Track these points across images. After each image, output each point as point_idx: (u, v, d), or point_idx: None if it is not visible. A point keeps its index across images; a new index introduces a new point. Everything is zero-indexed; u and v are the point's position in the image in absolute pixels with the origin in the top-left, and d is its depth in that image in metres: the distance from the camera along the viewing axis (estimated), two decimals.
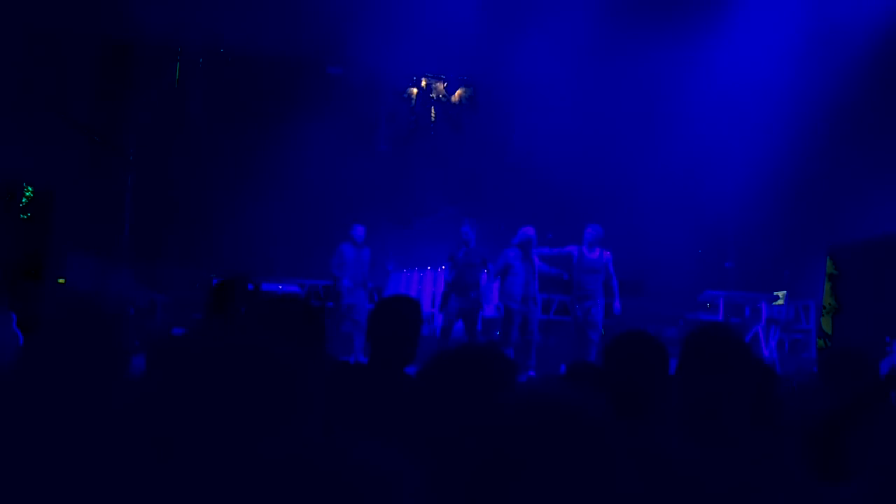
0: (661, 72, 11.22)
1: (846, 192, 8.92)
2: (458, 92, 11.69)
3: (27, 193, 7.70)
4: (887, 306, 6.84)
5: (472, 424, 1.23)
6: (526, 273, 7.91)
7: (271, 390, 1.21)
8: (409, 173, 11.21)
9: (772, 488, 1.79)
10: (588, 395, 1.23)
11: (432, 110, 11.72)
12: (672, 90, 11.52)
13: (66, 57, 8.79)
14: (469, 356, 1.87)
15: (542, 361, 8.00)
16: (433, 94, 11.74)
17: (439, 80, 11.61)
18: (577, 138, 11.39)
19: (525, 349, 7.90)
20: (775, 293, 8.49)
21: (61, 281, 7.81)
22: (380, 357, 2.69)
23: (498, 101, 11.68)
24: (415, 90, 11.71)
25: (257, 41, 10.44)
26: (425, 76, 11.66)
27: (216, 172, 10.28)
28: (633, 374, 2.13)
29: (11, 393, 1.57)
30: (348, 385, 2.40)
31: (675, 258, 11.21)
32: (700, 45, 10.05)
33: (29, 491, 1.37)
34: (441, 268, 9.86)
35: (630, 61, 10.86)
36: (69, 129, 8.38)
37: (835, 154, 9.30)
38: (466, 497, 1.18)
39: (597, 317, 7.99)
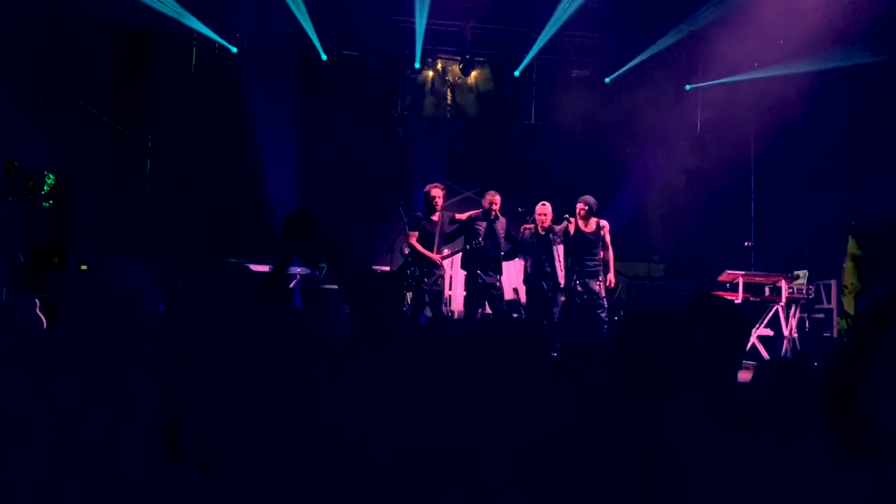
0: (682, 50, 11.10)
1: (868, 170, 8.77)
2: (474, 73, 11.62)
3: (49, 181, 7.78)
4: None
5: None
6: (539, 251, 7.75)
7: None
8: (426, 156, 11.18)
9: (795, 469, 1.76)
10: None
11: (448, 92, 11.67)
12: (690, 71, 11.39)
13: (84, 46, 8.85)
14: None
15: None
16: (449, 77, 11.68)
17: (455, 61, 11.54)
18: (596, 116, 11.32)
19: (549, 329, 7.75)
20: (796, 272, 8.40)
21: (83, 268, 7.91)
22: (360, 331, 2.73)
23: (514, 81, 11.60)
24: (431, 72, 11.66)
25: (273, 27, 10.44)
26: (440, 57, 11.60)
27: (235, 159, 10.32)
28: (648, 352, 2.12)
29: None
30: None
31: (696, 237, 11.13)
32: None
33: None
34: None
35: (649, 34, 10.75)
36: (88, 117, 8.45)
37: (858, 131, 9.15)
38: None
39: (601, 293, 7.68)
